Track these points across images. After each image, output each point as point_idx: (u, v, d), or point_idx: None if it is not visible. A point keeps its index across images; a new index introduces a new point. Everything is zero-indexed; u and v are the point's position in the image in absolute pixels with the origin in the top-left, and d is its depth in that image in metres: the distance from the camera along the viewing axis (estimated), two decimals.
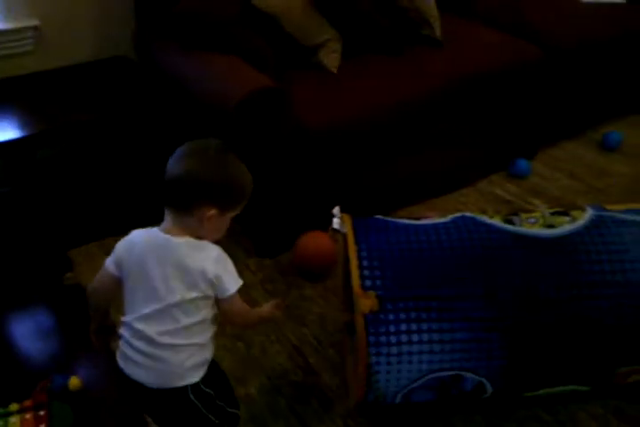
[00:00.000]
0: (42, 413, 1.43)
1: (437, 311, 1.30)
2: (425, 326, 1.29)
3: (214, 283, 1.13)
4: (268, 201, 1.93)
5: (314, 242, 1.95)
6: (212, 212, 1.12)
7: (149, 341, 1.12)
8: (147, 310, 1.13)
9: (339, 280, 1.83)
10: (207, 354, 1.19)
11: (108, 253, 2.04)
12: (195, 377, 1.16)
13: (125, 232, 1.22)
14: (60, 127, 2.04)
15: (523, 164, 2.47)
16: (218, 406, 1.22)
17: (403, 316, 1.29)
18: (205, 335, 1.17)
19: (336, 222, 1.50)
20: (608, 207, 1.52)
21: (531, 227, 1.44)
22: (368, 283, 1.30)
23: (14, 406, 1.45)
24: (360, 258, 1.35)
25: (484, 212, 1.63)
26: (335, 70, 2.15)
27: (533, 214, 1.50)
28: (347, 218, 1.47)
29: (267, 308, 1.30)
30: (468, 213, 1.49)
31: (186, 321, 1.12)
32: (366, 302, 1.27)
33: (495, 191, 2.40)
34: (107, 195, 2.21)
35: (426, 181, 2.31)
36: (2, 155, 2.08)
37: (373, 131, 2.00)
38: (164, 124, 2.23)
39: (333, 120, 1.91)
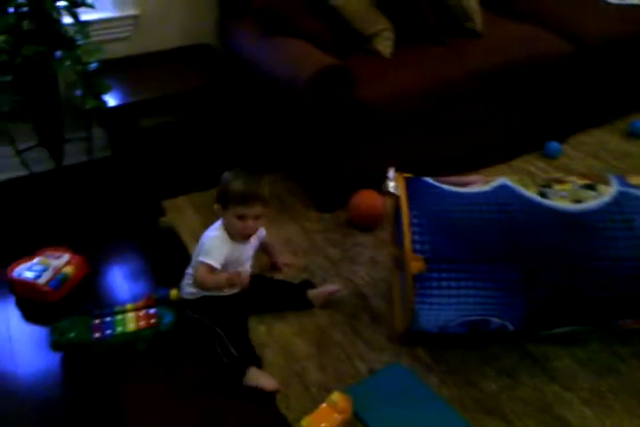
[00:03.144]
0: (152, 311, 1.82)
1: (472, 273, 1.54)
2: (462, 284, 1.54)
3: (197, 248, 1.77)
4: (328, 164, 2.30)
5: (366, 199, 2.30)
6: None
7: None
8: None
9: (387, 231, 2.20)
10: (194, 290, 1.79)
11: (194, 205, 2.46)
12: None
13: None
14: (156, 98, 2.45)
15: (554, 146, 2.76)
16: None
17: (444, 275, 1.54)
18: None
19: (391, 186, 1.67)
20: (631, 180, 1.68)
21: (561, 200, 1.60)
22: (417, 246, 1.52)
23: (130, 306, 1.85)
24: (412, 224, 1.54)
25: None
26: (389, 56, 2.51)
27: (565, 187, 1.66)
28: (401, 180, 1.67)
29: (226, 275, 1.69)
30: (508, 182, 1.67)
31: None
32: (415, 265, 1.52)
33: (527, 168, 2.70)
34: (192, 156, 2.63)
35: (466, 155, 2.63)
36: (108, 122, 2.51)
37: (421, 107, 2.34)
38: (239, 101, 2.63)
39: (387, 96, 2.25)
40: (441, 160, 2.57)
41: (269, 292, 1.90)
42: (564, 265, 1.55)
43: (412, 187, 1.65)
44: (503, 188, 1.64)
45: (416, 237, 1.53)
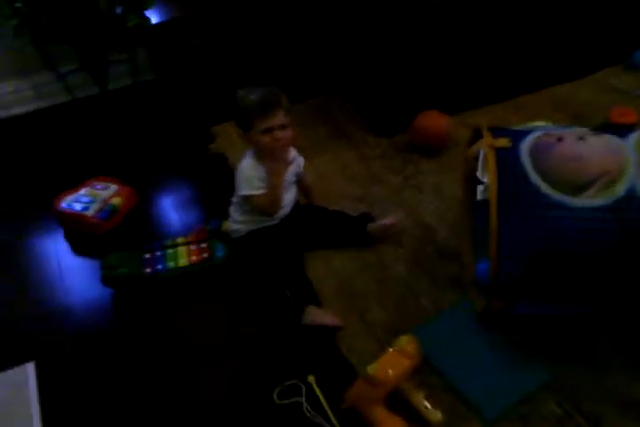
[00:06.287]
0: (203, 245, 1.72)
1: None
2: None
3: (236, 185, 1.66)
4: (388, 83, 2.08)
5: (429, 119, 2.10)
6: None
7: None
8: None
9: (453, 155, 2.01)
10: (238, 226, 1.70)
11: None
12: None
13: None
14: (202, 13, 2.26)
15: None
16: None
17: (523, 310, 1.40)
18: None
19: (479, 191, 1.40)
20: None
21: None
22: (503, 276, 1.29)
23: (181, 240, 1.76)
24: (500, 249, 1.27)
25: None
26: None
27: None
28: (492, 169, 1.28)
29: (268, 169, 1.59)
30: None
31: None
32: (497, 304, 1.36)
33: (611, 82, 2.41)
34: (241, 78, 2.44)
35: (542, 67, 2.35)
36: (151, 41, 2.34)
37: (492, 10, 2.05)
38: (292, 15, 2.40)
39: None
40: (514, 72, 2.31)
41: (324, 224, 1.76)
42: None
43: (508, 186, 1.27)
44: (631, 199, 1.23)
45: (505, 265, 1.27)
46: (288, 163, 1.64)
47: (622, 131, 1.38)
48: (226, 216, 1.79)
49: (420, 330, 1.47)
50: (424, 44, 2.03)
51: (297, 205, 1.76)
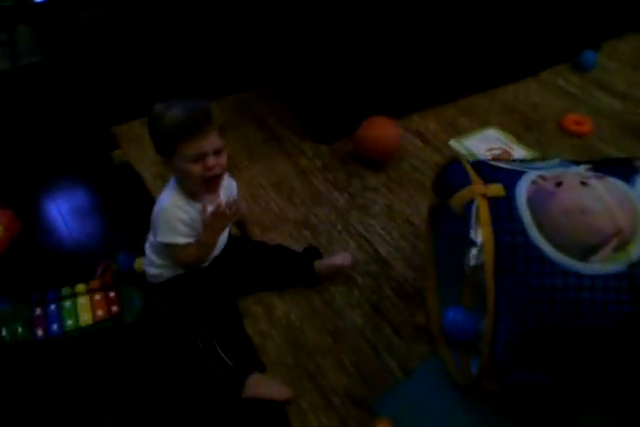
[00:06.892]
0: (112, 294, 1.36)
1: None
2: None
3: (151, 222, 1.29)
4: (331, 79, 1.81)
5: (376, 127, 1.83)
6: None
7: None
8: None
9: (402, 170, 1.81)
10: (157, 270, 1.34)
11: None
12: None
13: None
14: None
15: (590, 55, 2.30)
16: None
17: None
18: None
19: (472, 254, 1.10)
20: None
21: None
22: (499, 359, 1.07)
23: (81, 287, 1.39)
24: (496, 332, 1.05)
25: None
26: None
27: None
28: (487, 228, 1.06)
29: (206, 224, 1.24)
30: None
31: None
32: (489, 385, 1.14)
33: (558, 82, 2.26)
34: (149, 63, 2.05)
35: (490, 67, 2.14)
36: (36, 18, 1.89)
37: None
38: None
39: None
40: (463, 72, 2.08)
41: (264, 262, 1.45)
42: None
43: (505, 247, 1.05)
44: None
45: (499, 349, 1.05)
46: (232, 216, 1.27)
47: (624, 169, 1.18)
48: (138, 251, 1.43)
49: (387, 400, 1.21)
50: (370, 39, 1.76)
51: (229, 239, 1.44)
